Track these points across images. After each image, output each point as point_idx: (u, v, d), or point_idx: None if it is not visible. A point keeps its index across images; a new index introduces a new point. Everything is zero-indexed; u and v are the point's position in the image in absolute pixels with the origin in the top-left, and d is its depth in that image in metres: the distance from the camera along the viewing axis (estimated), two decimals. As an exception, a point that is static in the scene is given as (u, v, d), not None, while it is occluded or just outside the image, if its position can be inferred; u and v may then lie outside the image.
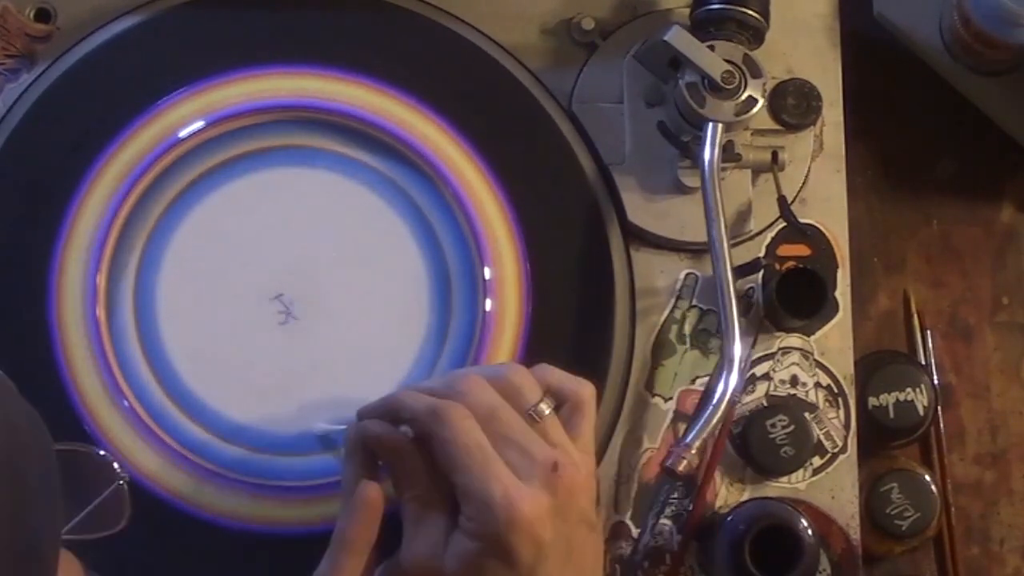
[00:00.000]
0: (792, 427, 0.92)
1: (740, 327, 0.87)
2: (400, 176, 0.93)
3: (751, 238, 0.94)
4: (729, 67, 0.89)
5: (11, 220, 0.91)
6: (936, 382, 1.00)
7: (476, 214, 0.92)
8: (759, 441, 0.92)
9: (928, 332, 1.01)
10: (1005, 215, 1.03)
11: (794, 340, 0.94)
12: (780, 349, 0.94)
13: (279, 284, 0.91)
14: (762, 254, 0.94)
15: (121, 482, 0.73)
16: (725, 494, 0.92)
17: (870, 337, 1.01)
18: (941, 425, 1.00)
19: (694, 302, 0.94)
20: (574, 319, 0.92)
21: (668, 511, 0.91)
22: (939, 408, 0.99)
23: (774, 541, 0.86)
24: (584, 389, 0.82)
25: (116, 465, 0.73)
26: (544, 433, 0.80)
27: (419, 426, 0.79)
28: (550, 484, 0.77)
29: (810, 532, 0.87)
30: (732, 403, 0.86)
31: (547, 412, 0.80)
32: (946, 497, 0.99)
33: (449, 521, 0.79)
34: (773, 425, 0.92)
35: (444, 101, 0.93)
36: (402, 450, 0.80)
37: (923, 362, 1.00)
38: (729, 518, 0.89)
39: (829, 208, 0.95)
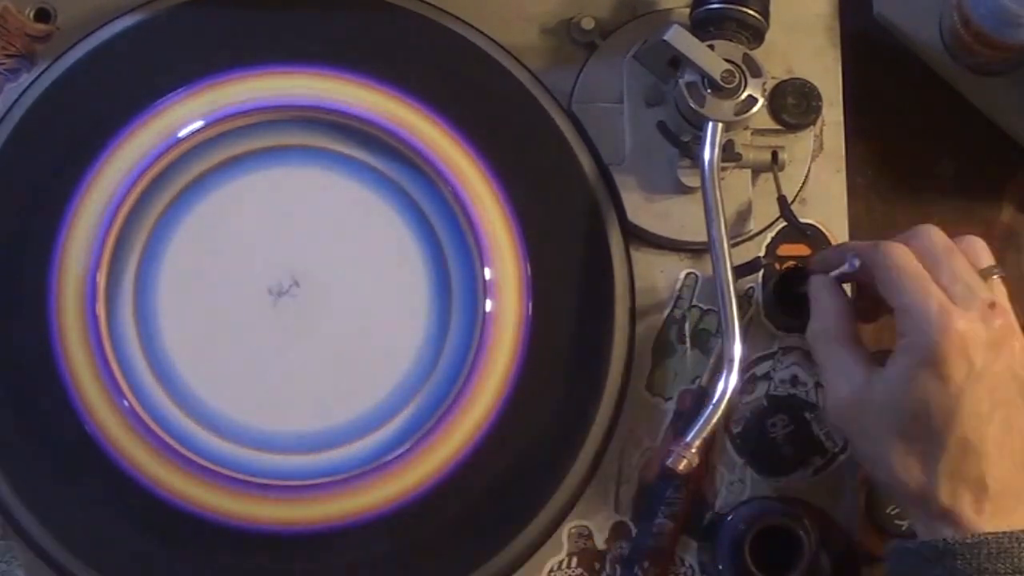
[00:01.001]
0: (792, 427, 0.92)
1: (740, 327, 0.87)
2: (400, 176, 0.93)
3: (751, 238, 0.94)
4: (729, 66, 0.89)
5: (11, 219, 0.91)
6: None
7: (476, 214, 0.92)
8: (759, 441, 0.92)
9: None
10: (1005, 215, 1.03)
11: (794, 340, 0.94)
12: (780, 349, 0.94)
13: (279, 284, 0.91)
14: (762, 254, 0.94)
15: None
16: (725, 494, 0.92)
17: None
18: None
19: (694, 302, 0.94)
20: (574, 319, 0.92)
21: (668, 511, 0.91)
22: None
23: (774, 541, 0.86)
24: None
25: None
26: (991, 289, 0.82)
27: (862, 260, 0.84)
28: (984, 316, 0.79)
29: (810, 532, 0.87)
30: (732, 403, 0.86)
31: (997, 277, 0.83)
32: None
33: (865, 355, 0.82)
34: (773, 425, 0.92)
35: (444, 101, 0.93)
36: (826, 285, 0.86)
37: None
38: (729, 518, 0.89)
39: (829, 208, 0.95)
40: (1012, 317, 0.81)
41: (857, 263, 0.84)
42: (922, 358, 0.78)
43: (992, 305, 0.80)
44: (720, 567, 0.88)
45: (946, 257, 0.82)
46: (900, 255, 0.81)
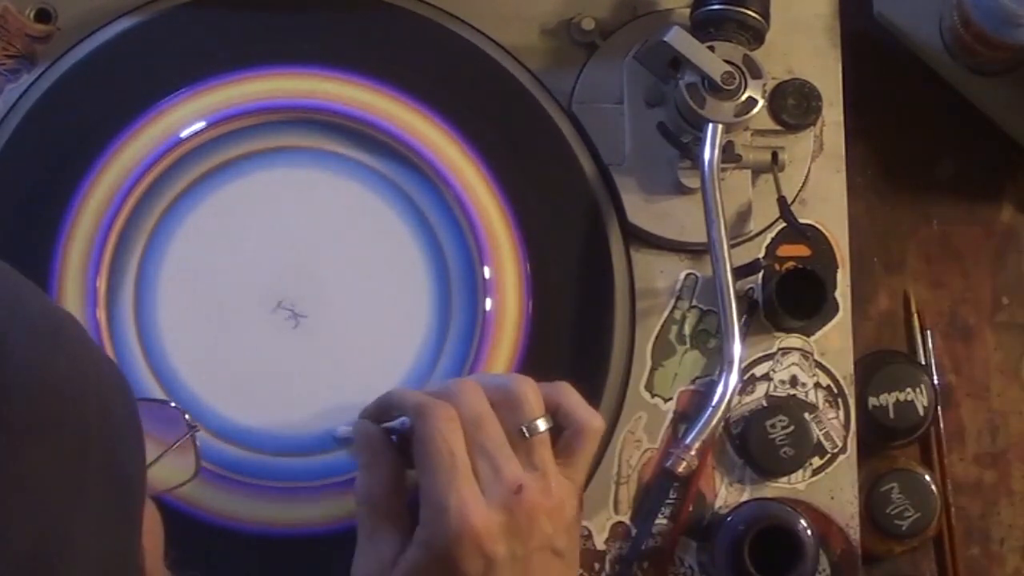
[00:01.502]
0: (792, 427, 0.92)
1: (740, 328, 0.87)
2: (400, 177, 0.93)
3: (751, 239, 0.94)
4: (729, 68, 0.89)
5: (11, 220, 0.91)
6: (936, 382, 1.00)
7: (476, 214, 0.92)
8: (759, 442, 0.92)
9: (928, 332, 1.01)
10: (1005, 215, 1.03)
11: (794, 340, 0.94)
12: (780, 349, 0.94)
13: (279, 285, 0.91)
14: (762, 255, 0.94)
15: (193, 431, 0.73)
16: (725, 494, 0.92)
17: (870, 337, 1.01)
18: (941, 425, 1.00)
19: (694, 303, 0.94)
20: (574, 319, 0.92)
21: (667, 511, 0.91)
22: (939, 408, 0.99)
23: (774, 542, 0.86)
24: (594, 421, 0.81)
25: (187, 416, 0.73)
26: (529, 451, 0.79)
27: (412, 421, 0.80)
28: (508, 504, 0.77)
29: (809, 533, 0.87)
30: (731, 404, 0.86)
31: (542, 429, 0.79)
32: (946, 497, 0.99)
33: (403, 540, 0.79)
34: (773, 426, 0.92)
35: (444, 101, 0.93)
36: (376, 447, 0.82)
37: (923, 362, 1.00)
38: (729, 518, 0.89)
39: (829, 208, 0.95)
40: (544, 487, 0.78)
41: (408, 423, 0.81)
42: (435, 555, 0.76)
43: (519, 489, 0.77)
44: (719, 568, 0.89)
45: (477, 429, 0.78)
46: (438, 423, 0.78)
